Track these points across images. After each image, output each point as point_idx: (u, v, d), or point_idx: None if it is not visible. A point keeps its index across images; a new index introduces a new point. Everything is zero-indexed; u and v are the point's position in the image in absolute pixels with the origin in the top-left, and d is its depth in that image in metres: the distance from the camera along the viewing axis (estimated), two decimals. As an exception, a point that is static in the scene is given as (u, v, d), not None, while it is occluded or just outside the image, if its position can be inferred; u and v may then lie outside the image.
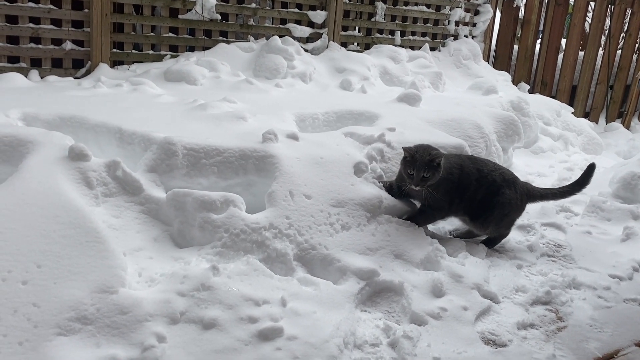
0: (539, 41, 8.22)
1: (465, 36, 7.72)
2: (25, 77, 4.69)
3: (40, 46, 5.00)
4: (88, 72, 5.17)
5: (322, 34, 6.45)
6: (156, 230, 2.85)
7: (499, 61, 8.06)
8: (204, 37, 5.82)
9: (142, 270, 2.59)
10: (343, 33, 6.67)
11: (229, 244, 2.76)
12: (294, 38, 6.17)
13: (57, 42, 5.09)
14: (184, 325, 2.30)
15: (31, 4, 4.87)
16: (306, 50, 6.22)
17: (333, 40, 6.48)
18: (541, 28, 8.16)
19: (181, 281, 2.46)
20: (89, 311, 2.20)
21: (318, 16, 6.37)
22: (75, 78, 5.04)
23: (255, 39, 6.09)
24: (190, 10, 5.63)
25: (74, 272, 2.31)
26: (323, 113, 4.46)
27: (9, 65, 4.87)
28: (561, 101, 7.47)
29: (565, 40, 8.25)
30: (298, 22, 6.35)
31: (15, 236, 2.34)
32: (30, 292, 2.19)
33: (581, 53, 8.19)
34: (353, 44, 6.86)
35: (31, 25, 4.93)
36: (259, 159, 3.23)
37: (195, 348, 2.21)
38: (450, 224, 3.73)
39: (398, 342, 2.43)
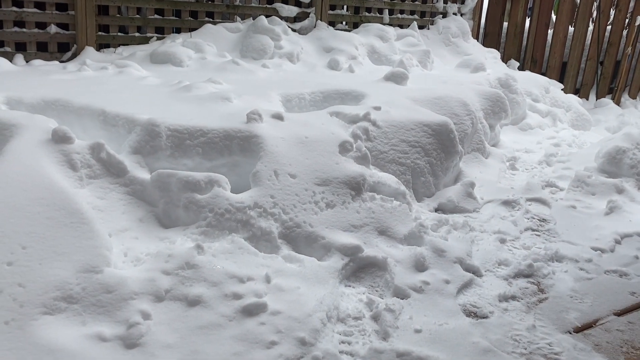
0: (528, 17, 8.20)
1: (454, 14, 7.68)
2: (10, 61, 4.67)
3: (24, 30, 4.97)
4: (74, 56, 5.14)
5: (309, 13, 6.42)
6: (141, 211, 2.88)
7: (489, 38, 8.04)
8: (190, 18, 5.78)
9: (128, 250, 2.62)
10: (331, 12, 6.63)
11: (213, 224, 2.80)
12: (281, 18, 6.14)
13: (42, 25, 5.06)
14: (168, 302, 2.34)
15: (14, -13, 4.83)
16: (294, 30, 6.19)
17: (321, 20, 6.45)
18: (530, 4, 8.13)
19: (166, 260, 2.49)
20: (75, 290, 2.24)
21: (305, -5, 6.33)
22: (61, 62, 5.01)
23: (242, 19, 6.06)
24: (176, -9, 5.59)
25: (59, 252, 2.33)
26: (310, 93, 4.46)
27: (-6, 49, 4.85)
28: (551, 78, 7.47)
29: (555, 16, 8.22)
30: (285, 2, 6.31)
31: None
32: (15, 272, 2.21)
33: (571, 29, 8.17)
34: (341, 23, 6.83)
35: (15, 8, 4.89)
36: (244, 140, 3.25)
37: (180, 324, 2.25)
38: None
39: (380, 315, 2.48)
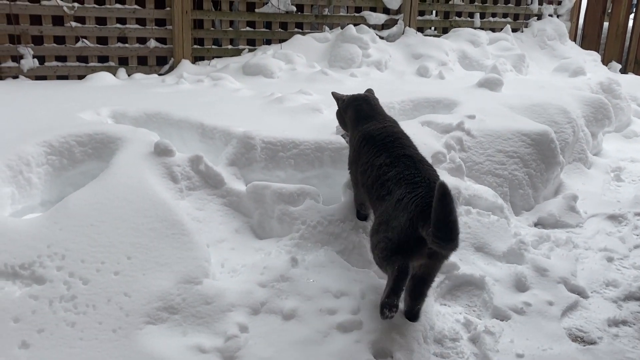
0: (631, 16, 7.68)
1: (550, 15, 7.34)
2: (114, 75, 4.94)
3: (127, 45, 5.25)
4: (171, 69, 5.37)
5: (397, 20, 6.35)
6: (237, 222, 2.93)
7: (587, 40, 7.62)
8: (280, 29, 5.89)
9: (225, 261, 2.67)
10: (419, 18, 6.53)
11: (306, 236, 2.80)
12: (369, 26, 6.11)
13: (142, 40, 5.32)
14: (264, 315, 2.35)
15: (118, 5, 5.11)
16: (381, 38, 6.14)
17: (409, 26, 6.37)
18: (635, 2, 7.62)
19: (261, 272, 2.52)
20: (176, 301, 2.30)
21: (393, 2, 6.27)
22: (160, 75, 5.26)
23: (330, 29, 6.09)
24: (267, 3, 5.71)
25: (161, 263, 2.41)
26: (399, 102, 4.40)
27: (100, 64, 5.15)
28: (657, 80, 6.96)
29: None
30: (373, 9, 6.28)
31: (107, 229, 2.48)
32: (121, 282, 2.31)
33: (680, 27, 7.58)
34: (430, 28, 6.71)
35: (118, 25, 5.18)
36: (335, 151, 3.24)
37: (276, 338, 2.25)
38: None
39: (479, 337, 2.38)
